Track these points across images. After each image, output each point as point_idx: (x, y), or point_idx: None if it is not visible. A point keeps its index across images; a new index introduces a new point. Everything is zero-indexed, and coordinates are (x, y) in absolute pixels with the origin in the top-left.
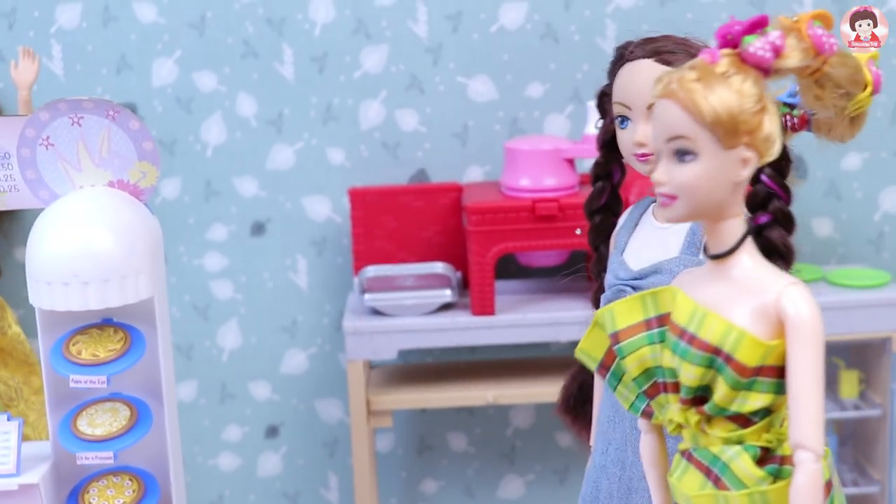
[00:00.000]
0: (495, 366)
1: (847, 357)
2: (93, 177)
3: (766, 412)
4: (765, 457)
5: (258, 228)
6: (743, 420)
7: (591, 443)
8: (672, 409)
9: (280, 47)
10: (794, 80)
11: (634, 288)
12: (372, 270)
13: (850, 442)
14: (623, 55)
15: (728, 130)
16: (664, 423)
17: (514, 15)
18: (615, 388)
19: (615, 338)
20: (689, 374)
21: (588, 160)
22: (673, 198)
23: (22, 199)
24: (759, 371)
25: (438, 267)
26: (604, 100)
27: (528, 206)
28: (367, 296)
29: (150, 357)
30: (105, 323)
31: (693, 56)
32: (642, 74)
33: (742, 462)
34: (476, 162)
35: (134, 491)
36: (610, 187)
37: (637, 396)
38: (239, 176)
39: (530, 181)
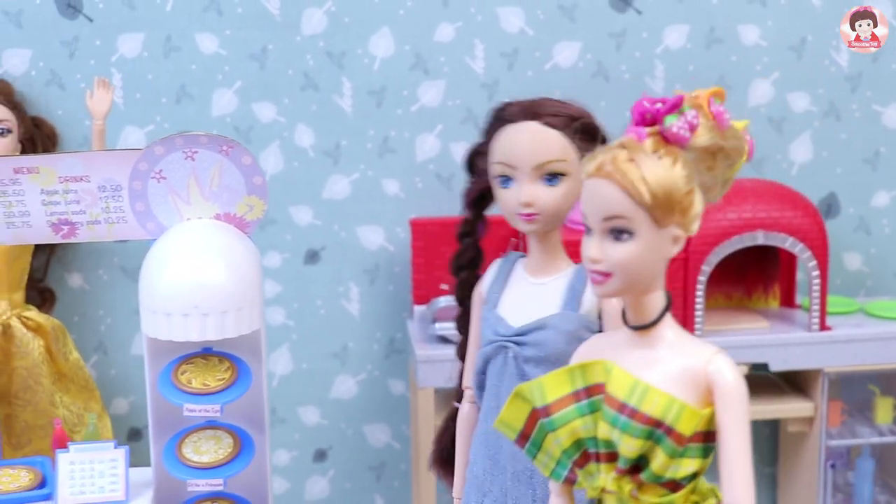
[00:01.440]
0: None
1: (882, 385)
2: (200, 209)
3: (694, 476)
4: None
5: (312, 256)
6: (673, 485)
7: (455, 495)
8: (602, 478)
9: (339, 80)
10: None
11: (517, 343)
12: (444, 301)
13: (886, 465)
14: (504, 117)
15: (664, 210)
16: (587, 488)
17: (568, 53)
18: (535, 457)
19: (545, 411)
20: (630, 446)
21: None
22: (607, 275)
23: (129, 231)
24: (691, 438)
25: None
26: (476, 159)
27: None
28: (437, 325)
29: (254, 386)
30: (206, 352)
31: (574, 119)
32: (527, 136)
33: None
34: None
35: None
36: (474, 244)
37: (558, 464)
38: (295, 205)
39: None
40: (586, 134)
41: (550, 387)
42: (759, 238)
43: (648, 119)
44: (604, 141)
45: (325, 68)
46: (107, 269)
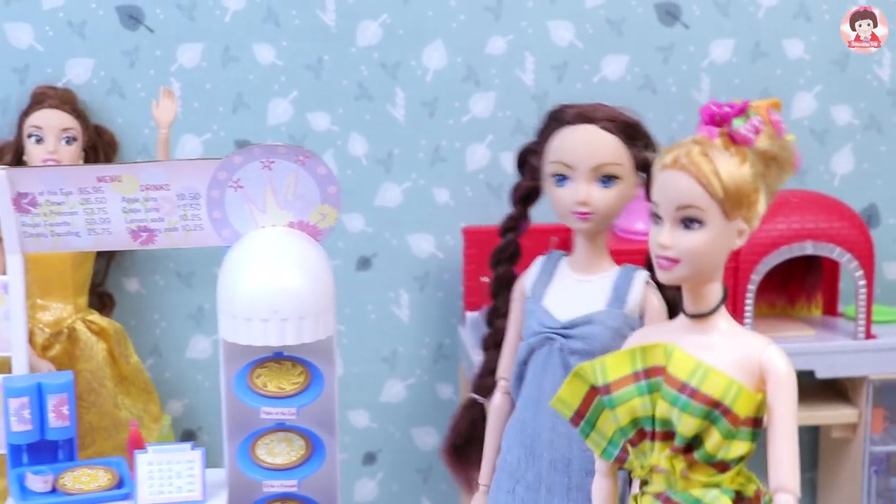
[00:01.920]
0: None
1: None
2: (275, 217)
3: (740, 459)
4: (737, 499)
5: (364, 263)
6: (722, 466)
7: (482, 481)
8: (655, 456)
9: (393, 90)
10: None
11: (563, 336)
12: None
13: None
14: (562, 118)
15: (734, 203)
16: (636, 467)
17: (616, 67)
18: (588, 435)
19: (606, 389)
20: (688, 425)
21: None
22: (675, 261)
23: (205, 238)
24: (745, 422)
25: None
26: (529, 157)
27: (645, 248)
28: None
29: (326, 390)
30: (278, 357)
31: (628, 125)
32: (586, 138)
33: None
34: None
35: None
36: (515, 240)
37: (609, 443)
38: (348, 212)
39: (646, 225)
40: (639, 140)
41: (612, 366)
42: (808, 248)
43: (717, 120)
44: (653, 148)
45: (378, 79)
46: (163, 275)
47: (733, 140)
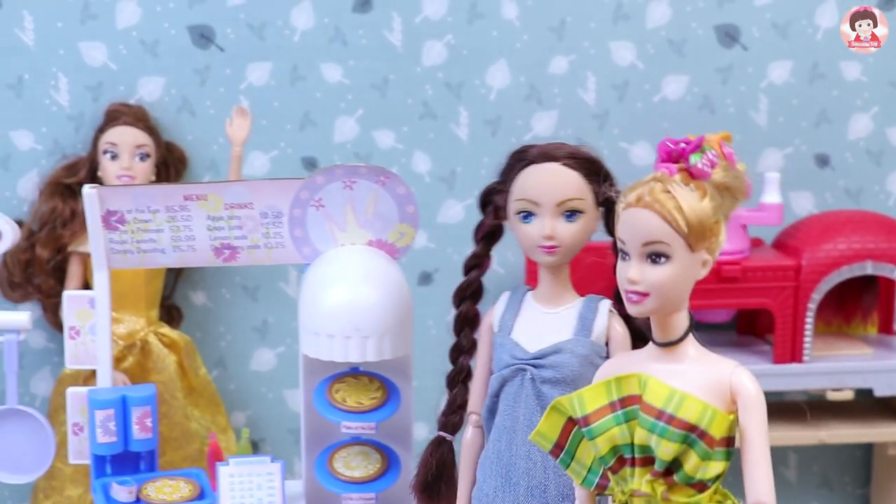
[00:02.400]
0: None
1: None
2: (354, 236)
3: (717, 478)
4: None
5: (425, 278)
6: (700, 486)
7: None
8: (636, 481)
9: (457, 109)
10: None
11: (534, 366)
12: None
13: None
14: (526, 158)
15: (697, 237)
16: (617, 493)
17: (675, 87)
18: (568, 465)
19: (585, 421)
20: (667, 450)
21: (765, 227)
22: (645, 295)
23: (286, 255)
24: (719, 442)
25: None
26: (493, 196)
27: (713, 268)
28: None
29: (403, 406)
30: (355, 372)
31: (589, 162)
32: (550, 175)
33: None
34: None
35: None
36: (479, 277)
37: (589, 471)
38: None
39: (730, 244)
40: (598, 176)
41: (589, 399)
42: (868, 268)
43: (674, 157)
44: (612, 183)
45: (443, 98)
46: (229, 288)
47: (691, 175)
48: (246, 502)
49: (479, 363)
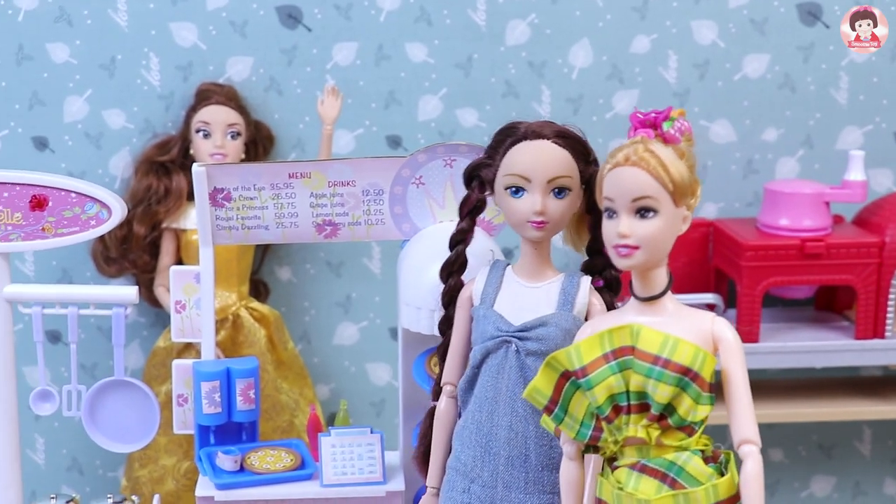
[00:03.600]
0: None
1: None
2: (452, 213)
3: (702, 422)
4: (704, 458)
5: (506, 254)
6: (690, 429)
7: (431, 483)
8: (631, 428)
9: (539, 88)
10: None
11: (519, 338)
12: None
13: None
14: (517, 134)
15: (682, 192)
16: (609, 444)
17: (756, 65)
18: (562, 421)
19: (583, 372)
20: (664, 393)
21: (849, 204)
22: (635, 248)
23: (386, 232)
24: (709, 386)
25: (709, 297)
26: (480, 171)
27: (797, 244)
28: None
29: None
30: None
31: (577, 142)
32: (543, 152)
33: (695, 463)
34: (712, 199)
35: None
36: (464, 251)
37: (582, 425)
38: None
39: (790, 221)
40: (584, 156)
41: (585, 350)
42: None
43: (648, 125)
44: (597, 164)
45: (525, 77)
46: (313, 264)
47: (665, 140)
48: (348, 472)
49: (455, 335)
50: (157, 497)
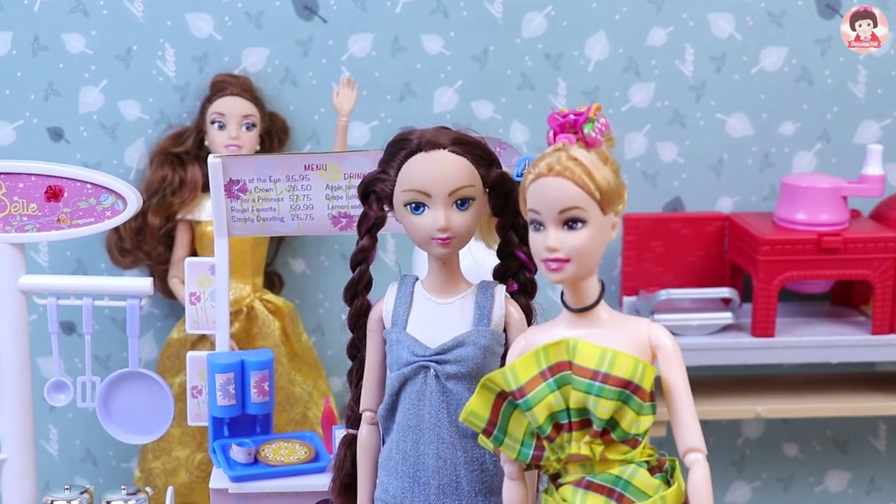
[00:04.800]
0: (747, 381)
1: None
2: None
3: (646, 432)
4: (650, 469)
5: None
6: (633, 442)
7: None
8: (574, 445)
9: (555, 81)
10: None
11: (437, 363)
12: (664, 294)
13: None
14: (412, 147)
15: (609, 200)
16: (551, 462)
17: (774, 58)
18: (501, 443)
19: (520, 392)
20: (605, 408)
21: (866, 199)
22: (566, 261)
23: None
24: (649, 396)
25: (725, 291)
26: (376, 186)
27: (814, 239)
28: (656, 316)
29: None
30: None
31: (475, 147)
32: (441, 164)
33: (641, 476)
34: (727, 192)
35: None
36: (367, 270)
37: (523, 445)
38: None
39: (807, 215)
40: (484, 160)
41: (521, 370)
42: None
43: (568, 128)
44: (498, 165)
45: (541, 69)
46: (328, 256)
47: (586, 143)
48: None
49: (369, 359)
50: (170, 489)
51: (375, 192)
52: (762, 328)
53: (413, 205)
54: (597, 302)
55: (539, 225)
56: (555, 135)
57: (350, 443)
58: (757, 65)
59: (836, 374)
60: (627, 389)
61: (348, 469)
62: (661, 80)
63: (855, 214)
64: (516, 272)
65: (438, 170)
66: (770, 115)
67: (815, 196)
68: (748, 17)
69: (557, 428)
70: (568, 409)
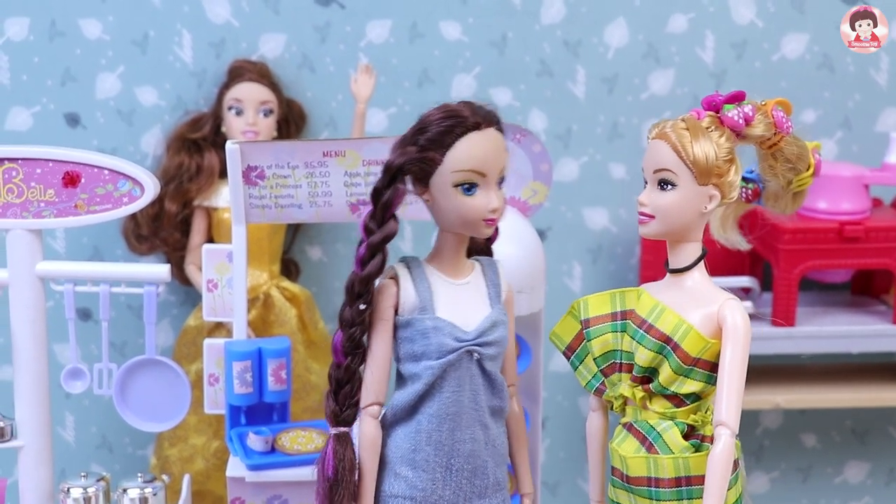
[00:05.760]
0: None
1: None
2: None
3: (696, 397)
4: (690, 433)
5: (539, 235)
6: (677, 400)
7: None
8: (622, 386)
9: (574, 67)
10: (754, 158)
11: (480, 345)
12: None
13: None
14: (468, 124)
15: (703, 171)
16: (612, 399)
17: (795, 45)
18: (576, 368)
19: (586, 323)
20: (643, 356)
21: (888, 187)
22: (651, 217)
23: (418, 211)
24: (696, 362)
25: (745, 280)
26: (412, 167)
27: (835, 227)
28: None
29: (534, 362)
30: None
31: (502, 123)
32: (495, 143)
33: (672, 434)
34: None
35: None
36: (385, 258)
37: (594, 376)
38: None
39: (828, 204)
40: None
41: (593, 305)
42: None
43: (713, 107)
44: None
45: (560, 56)
46: (344, 244)
47: (721, 123)
48: None
49: (379, 349)
50: (186, 477)
51: (413, 173)
52: (783, 317)
53: (466, 185)
54: (688, 268)
55: (645, 182)
56: (703, 110)
57: (344, 441)
58: (778, 52)
59: (856, 364)
60: (668, 345)
61: (345, 474)
62: (682, 67)
63: (877, 203)
64: (485, 244)
65: (493, 149)
66: (791, 103)
67: (836, 184)
68: (769, 3)
69: (612, 366)
70: (621, 350)
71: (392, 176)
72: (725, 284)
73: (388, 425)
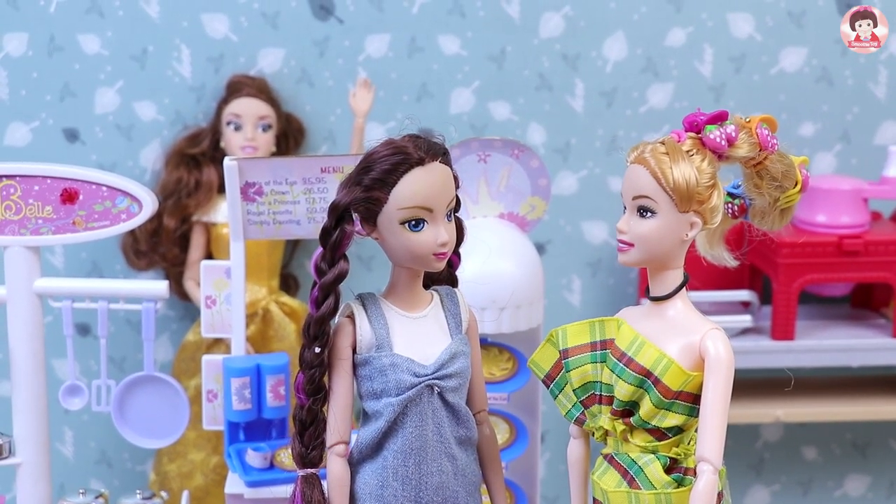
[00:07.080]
0: (764, 384)
1: None
2: (486, 208)
3: (679, 430)
4: (672, 466)
5: (539, 249)
6: (659, 434)
7: None
8: (602, 419)
9: (573, 81)
10: (739, 174)
11: (440, 379)
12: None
13: None
14: (411, 160)
15: (684, 197)
16: (593, 429)
17: (793, 59)
18: (556, 397)
19: (565, 353)
20: (622, 390)
21: (886, 201)
22: (630, 245)
23: None
24: (678, 395)
25: (744, 294)
26: (358, 207)
27: (834, 241)
28: None
29: (533, 377)
30: (483, 343)
31: (447, 152)
32: (440, 177)
33: (654, 468)
34: None
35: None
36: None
37: (573, 405)
38: None
39: (827, 217)
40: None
41: (572, 334)
42: None
43: (694, 127)
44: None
45: (559, 70)
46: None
47: (703, 144)
48: None
49: (338, 388)
50: (185, 493)
51: (359, 212)
52: (782, 331)
53: (412, 222)
54: (669, 295)
55: (624, 207)
56: (684, 130)
57: (312, 482)
58: (776, 65)
59: (856, 378)
60: (648, 379)
61: None
62: (680, 80)
63: (876, 216)
64: (448, 273)
65: (439, 183)
66: (790, 116)
67: (835, 198)
68: (768, 17)
69: (592, 397)
70: (601, 382)
71: (339, 216)
72: (724, 299)
73: (354, 462)
